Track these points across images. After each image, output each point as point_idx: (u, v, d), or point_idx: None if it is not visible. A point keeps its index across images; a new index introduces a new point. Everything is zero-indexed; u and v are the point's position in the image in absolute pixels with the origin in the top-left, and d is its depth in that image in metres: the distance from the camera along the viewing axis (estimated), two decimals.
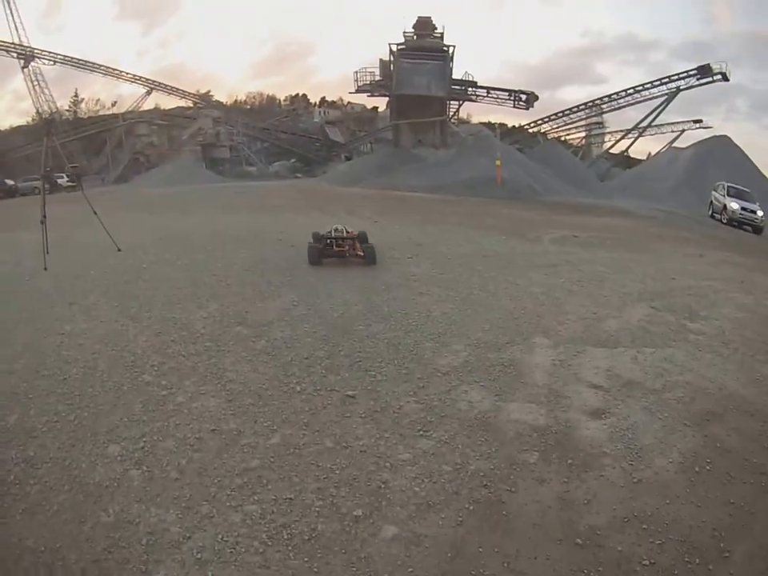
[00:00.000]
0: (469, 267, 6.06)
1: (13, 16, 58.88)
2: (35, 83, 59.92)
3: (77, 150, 58.20)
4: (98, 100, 69.23)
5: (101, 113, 66.31)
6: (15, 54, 58.03)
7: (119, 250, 6.62)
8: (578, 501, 2.39)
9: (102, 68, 62.12)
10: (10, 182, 40.38)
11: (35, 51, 58.89)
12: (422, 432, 2.79)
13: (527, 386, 3.29)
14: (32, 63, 58.93)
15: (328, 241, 6.33)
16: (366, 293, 4.98)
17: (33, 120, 63.42)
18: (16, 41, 56.91)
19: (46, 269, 5.82)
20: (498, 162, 20.86)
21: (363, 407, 3.00)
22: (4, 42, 56.42)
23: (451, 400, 3.09)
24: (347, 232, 6.56)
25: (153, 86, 64.98)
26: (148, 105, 66.04)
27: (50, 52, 59.43)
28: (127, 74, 65.32)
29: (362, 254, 6.21)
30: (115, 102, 66.49)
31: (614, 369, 3.55)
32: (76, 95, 68.77)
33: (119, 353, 3.64)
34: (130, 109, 62.80)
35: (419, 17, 32.99)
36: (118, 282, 5.31)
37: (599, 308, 4.75)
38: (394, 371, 3.41)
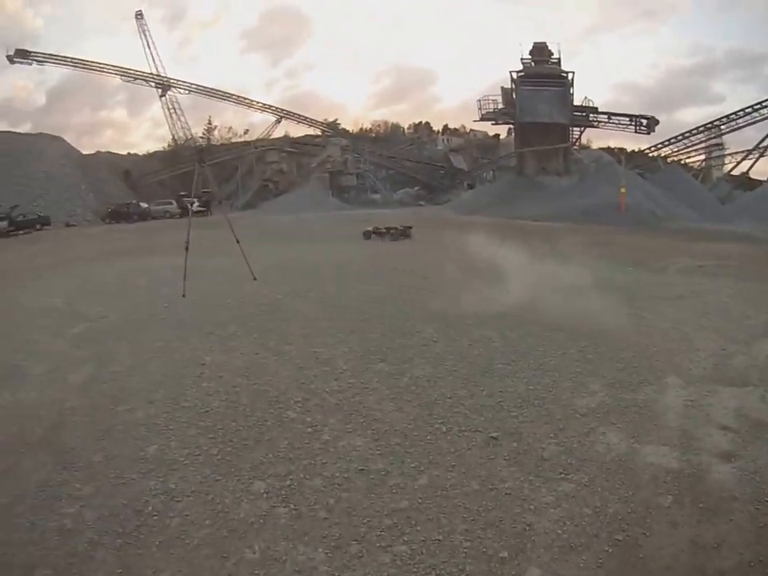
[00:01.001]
0: (597, 301, 6.59)
1: (150, 48, 70.57)
2: (172, 111, 70.59)
3: (209, 176, 67.04)
4: (230, 128, 79.00)
5: (233, 140, 76.23)
6: (153, 84, 69.79)
7: (255, 278, 7.88)
8: (708, 544, 2.78)
9: (233, 97, 71.72)
10: (144, 205, 48.48)
11: (171, 81, 70.10)
12: (563, 475, 3.28)
13: (661, 428, 3.82)
14: (168, 92, 70.20)
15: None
16: (501, 328, 5.70)
17: (169, 146, 74.48)
18: (153, 71, 68.49)
19: (184, 296, 7.08)
20: (622, 190, 24.90)
21: (506, 449, 3.54)
22: (143, 72, 68.14)
23: (590, 442, 3.62)
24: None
25: (282, 114, 73.37)
26: (278, 133, 74.36)
27: (184, 82, 69.89)
28: (257, 102, 73.98)
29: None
30: (247, 130, 75.58)
31: (743, 409, 4.07)
32: (209, 123, 79.41)
33: (261, 387, 4.35)
34: (260, 136, 71.32)
35: (535, 43, 39.29)
36: (254, 313, 6.32)
37: (727, 343, 5.36)
38: (534, 412, 4.00)
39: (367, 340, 5.26)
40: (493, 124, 45.72)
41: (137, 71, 68.30)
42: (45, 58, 69.18)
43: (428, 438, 3.64)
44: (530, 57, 39.09)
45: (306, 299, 6.85)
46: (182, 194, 53.27)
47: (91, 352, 5.44)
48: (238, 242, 8.24)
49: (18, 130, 67.68)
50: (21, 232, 43.73)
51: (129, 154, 76.39)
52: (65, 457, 3.63)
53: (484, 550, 2.73)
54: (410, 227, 14.46)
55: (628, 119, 39.82)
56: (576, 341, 5.32)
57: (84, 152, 67.78)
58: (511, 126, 45.34)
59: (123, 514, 3.06)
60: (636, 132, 39.78)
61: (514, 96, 38.70)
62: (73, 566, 2.74)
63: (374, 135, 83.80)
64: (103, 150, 74.36)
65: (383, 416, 3.88)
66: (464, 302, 6.54)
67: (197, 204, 48.18)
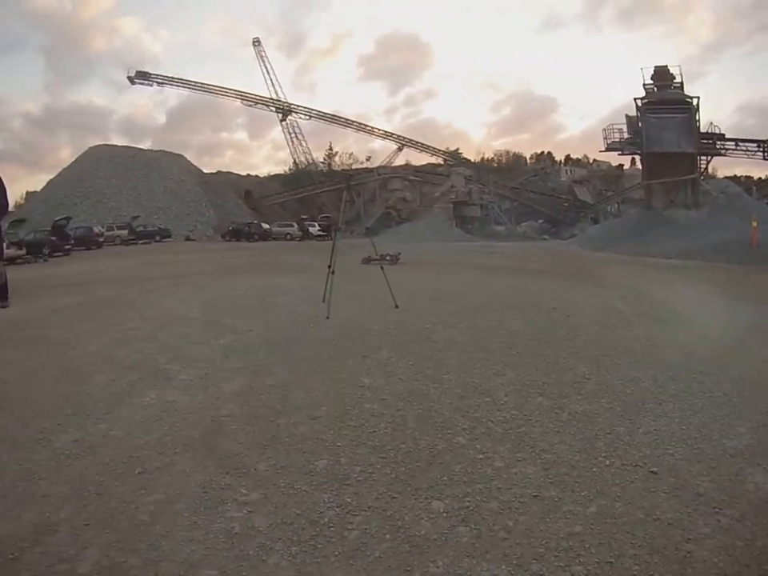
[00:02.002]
0: (739, 344, 6.86)
1: (269, 74, 75.20)
2: (292, 135, 74.88)
3: (329, 202, 70.13)
4: (351, 154, 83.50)
5: (354, 166, 79.53)
6: (274, 109, 74.17)
7: (396, 306, 8.15)
8: None
9: (354, 124, 75.43)
10: (266, 226, 51.13)
11: (292, 106, 74.34)
12: (717, 509, 3.42)
13: None
14: (289, 117, 74.31)
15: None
16: (650, 369, 5.79)
17: (290, 170, 78.56)
18: (273, 96, 72.69)
19: (328, 317, 7.41)
20: (754, 224, 24.97)
21: (665, 483, 3.70)
22: (263, 97, 72.39)
23: (739, 481, 3.76)
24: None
25: (404, 142, 76.12)
26: (399, 160, 77.19)
27: (305, 107, 74.51)
28: (378, 130, 77.61)
29: None
30: (369, 157, 79.24)
31: None
32: (330, 149, 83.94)
33: (426, 412, 4.52)
34: (383, 164, 73.90)
35: (656, 67, 40.67)
36: (405, 340, 6.54)
37: None
38: (687, 451, 4.13)
39: (522, 374, 5.45)
40: (619, 154, 46.97)
41: (257, 96, 72.49)
42: (165, 80, 74.42)
43: (593, 469, 3.85)
44: (651, 82, 40.53)
45: (455, 329, 7.07)
46: (303, 217, 55.87)
47: (242, 363, 5.78)
48: (382, 268, 8.64)
49: (140, 146, 72.86)
50: (140, 242, 46.82)
51: (249, 175, 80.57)
52: (227, 462, 3.86)
53: (651, 573, 2.92)
54: (399, 253, 16.56)
55: (756, 145, 40.17)
56: (720, 383, 5.46)
57: (205, 170, 71.93)
58: (635, 156, 46.57)
59: (297, 523, 3.22)
60: (764, 159, 40.09)
61: (639, 124, 39.34)
62: (242, 568, 2.89)
63: (495, 165, 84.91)
64: (224, 170, 78.65)
65: (549, 447, 4.09)
66: (607, 340, 6.83)
67: (317, 228, 50.79)
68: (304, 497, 3.46)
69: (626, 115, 41.63)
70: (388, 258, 16.06)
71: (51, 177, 69.36)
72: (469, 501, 3.42)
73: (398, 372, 5.41)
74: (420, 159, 78.18)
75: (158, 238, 50.62)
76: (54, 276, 18.20)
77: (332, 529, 3.18)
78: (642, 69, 40.62)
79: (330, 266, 8.42)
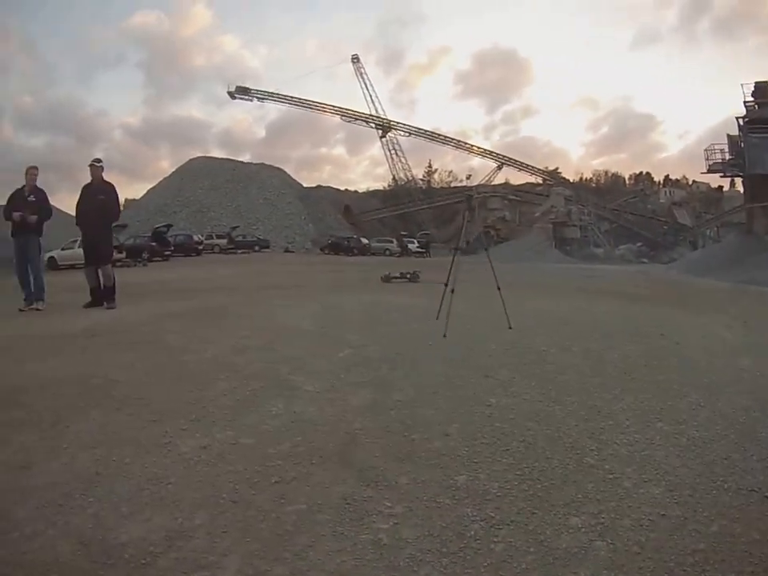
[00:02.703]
0: None
1: (368, 90, 76.60)
2: (392, 152, 76.02)
3: (428, 219, 70.77)
4: (451, 172, 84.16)
5: (452, 184, 79.94)
6: (373, 125, 75.42)
7: (510, 327, 8.19)
8: None
9: (453, 141, 75.92)
10: (365, 241, 52.04)
11: (392, 123, 75.36)
12: None
13: None
14: (389, 134, 75.33)
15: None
16: (760, 399, 5.70)
17: (389, 186, 79.72)
18: (372, 113, 73.94)
19: (445, 336, 7.51)
20: None
21: None
22: (362, 113, 73.73)
23: None
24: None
25: (503, 160, 76.16)
26: (498, 179, 77.10)
27: (404, 124, 75.60)
28: (477, 148, 77.91)
29: None
30: (470, 176, 79.74)
31: None
32: (430, 166, 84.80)
33: (554, 433, 4.58)
34: (482, 182, 74.03)
35: (756, 83, 38.54)
36: (523, 361, 6.61)
37: None
38: None
39: (640, 399, 5.47)
40: (721, 176, 44.93)
41: (356, 112, 73.78)
42: (264, 95, 76.69)
43: (713, 492, 3.88)
44: (753, 99, 37.91)
45: (569, 353, 7.11)
46: (402, 233, 56.44)
47: (365, 378, 5.94)
48: (498, 288, 8.65)
49: (239, 159, 75.22)
50: (239, 251, 48.26)
51: (347, 190, 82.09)
52: (366, 474, 3.95)
53: None
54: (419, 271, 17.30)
55: None
56: None
57: (304, 184, 73.62)
58: (735, 178, 44.87)
59: (444, 535, 3.29)
60: None
61: (741, 144, 37.58)
62: None
63: (594, 185, 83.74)
64: (323, 185, 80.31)
65: (672, 470, 4.14)
66: (716, 369, 6.75)
67: (416, 245, 51.33)
68: (447, 510, 3.54)
69: (728, 135, 40.26)
70: (408, 275, 16.78)
71: (151, 186, 72.59)
72: (603, 517, 3.50)
73: (521, 393, 5.49)
74: (519, 178, 78.16)
75: (257, 248, 52.23)
76: (155, 281, 19.02)
77: (478, 541, 3.25)
78: (742, 85, 39.15)
79: (446, 284, 8.54)
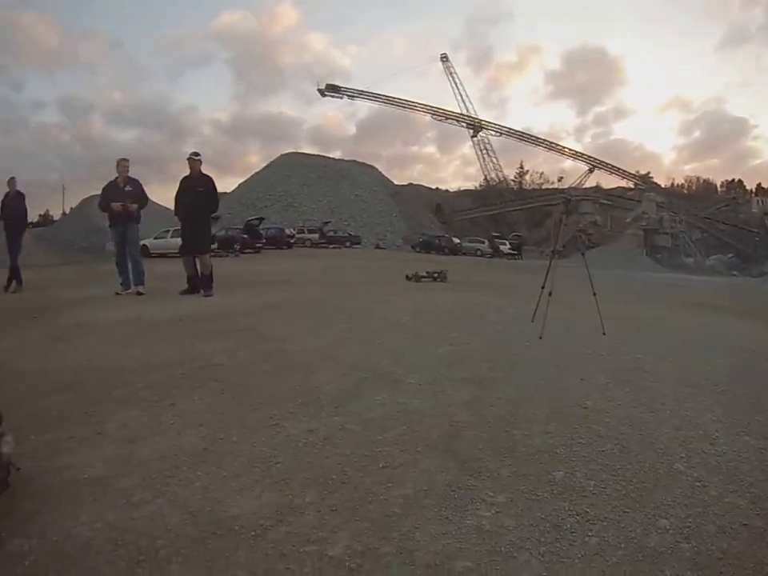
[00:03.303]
0: None
1: (458, 89, 76.13)
2: (483, 152, 75.74)
3: (519, 220, 70.13)
4: (542, 173, 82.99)
5: (544, 186, 78.92)
6: (464, 124, 75.02)
7: (604, 333, 8.22)
8: None
9: (545, 142, 75.15)
10: (456, 240, 52.08)
11: (483, 122, 74.89)
12: None
13: None
14: (480, 133, 74.81)
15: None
16: None
17: (480, 186, 79.30)
18: (463, 112, 73.56)
19: (540, 338, 7.63)
20: None
21: None
22: (453, 112, 73.49)
23: None
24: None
25: (595, 163, 74.56)
26: (589, 182, 75.39)
27: (496, 124, 75.12)
28: (569, 150, 76.57)
29: None
30: (561, 178, 78.43)
31: None
32: (521, 167, 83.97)
33: (646, 438, 4.64)
34: (573, 185, 72.58)
35: None
36: (619, 367, 6.64)
37: None
38: None
39: (729, 412, 5.42)
40: None
41: (447, 111, 73.52)
42: (355, 93, 77.22)
43: None
44: None
45: (664, 362, 7.07)
46: (495, 234, 56.13)
47: (466, 374, 6.10)
48: (594, 294, 8.68)
49: (330, 156, 76.11)
50: (330, 246, 48.90)
51: (438, 188, 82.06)
52: (469, 465, 4.14)
53: None
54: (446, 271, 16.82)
55: None
56: None
57: (395, 182, 73.92)
58: None
59: (542, 526, 3.46)
60: None
61: None
62: (495, 562, 3.13)
63: (686, 192, 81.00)
64: (415, 183, 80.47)
65: (757, 483, 4.11)
66: None
67: (508, 246, 50.95)
68: (546, 503, 3.69)
69: None
70: (436, 275, 16.52)
71: (242, 179, 74.14)
72: (690, 522, 3.56)
73: (616, 398, 5.55)
74: (610, 182, 76.61)
75: (348, 244, 52.73)
76: (249, 271, 19.76)
77: (573, 534, 3.39)
78: None
79: (543, 287, 8.62)
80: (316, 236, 52.17)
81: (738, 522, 3.60)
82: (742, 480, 4.13)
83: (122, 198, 12.10)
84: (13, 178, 14.52)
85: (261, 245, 40.06)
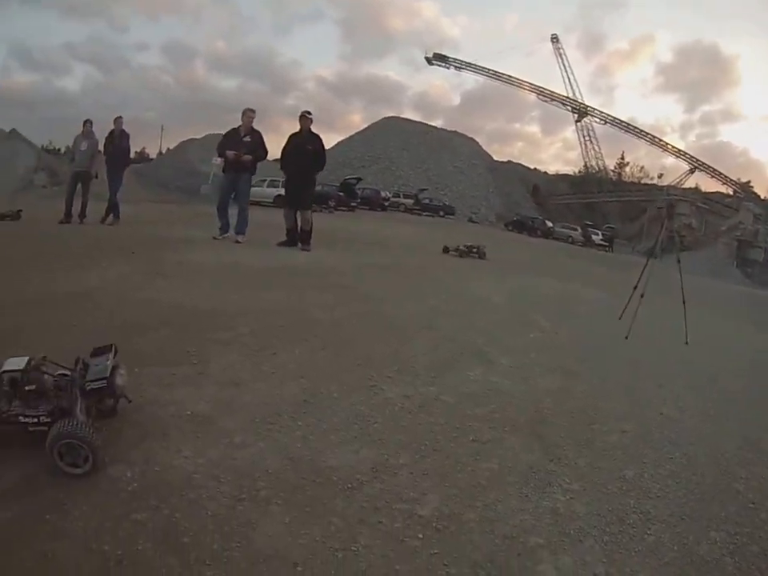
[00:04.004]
0: None
1: (567, 72, 73.90)
2: (586, 138, 73.72)
3: (614, 212, 68.45)
4: (642, 167, 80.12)
5: (642, 180, 76.36)
6: (570, 108, 72.98)
7: (687, 342, 8.22)
8: None
9: (648, 136, 72.15)
10: (549, 224, 51.25)
11: (588, 108, 72.66)
12: None
13: None
14: (584, 119, 72.77)
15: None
16: None
17: (579, 172, 77.39)
18: (570, 95, 71.63)
19: (626, 338, 7.74)
20: None
21: None
22: (559, 94, 71.68)
23: None
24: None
25: (697, 164, 71.16)
26: (689, 183, 72.45)
27: (602, 111, 72.61)
28: (672, 147, 73.73)
29: None
30: (662, 175, 75.53)
31: None
32: (622, 158, 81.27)
33: (712, 453, 4.80)
34: (672, 183, 69.98)
35: None
36: (696, 378, 6.75)
37: None
38: None
39: None
40: None
41: (554, 93, 71.71)
42: (462, 64, 75.79)
43: None
44: None
45: (741, 379, 7.13)
46: (588, 223, 55.03)
47: (555, 363, 6.36)
48: (684, 302, 8.66)
49: (432, 124, 75.39)
50: (424, 213, 48.76)
51: (536, 169, 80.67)
52: (551, 450, 4.45)
53: None
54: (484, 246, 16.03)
55: None
56: None
57: (495, 157, 72.91)
58: None
59: (608, 517, 3.76)
60: None
61: None
62: (564, 543, 3.46)
63: None
64: (514, 161, 79.30)
65: None
66: None
67: (600, 237, 49.77)
68: (614, 497, 3.97)
69: None
70: (475, 250, 16.10)
71: (341, 138, 74.24)
72: (737, 539, 3.73)
73: (688, 408, 5.69)
74: (709, 185, 73.58)
75: (441, 213, 52.29)
76: (344, 230, 19.96)
77: (634, 529, 3.66)
78: None
79: (635, 287, 8.62)
80: (411, 201, 51.73)
81: None
82: None
83: (239, 148, 12.25)
84: (120, 117, 15.15)
85: (355, 204, 40.28)
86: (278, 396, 4.71)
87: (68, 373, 3.76)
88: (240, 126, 12.73)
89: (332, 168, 59.67)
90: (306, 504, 3.48)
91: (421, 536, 3.38)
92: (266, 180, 31.45)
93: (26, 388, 3.48)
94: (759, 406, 6.19)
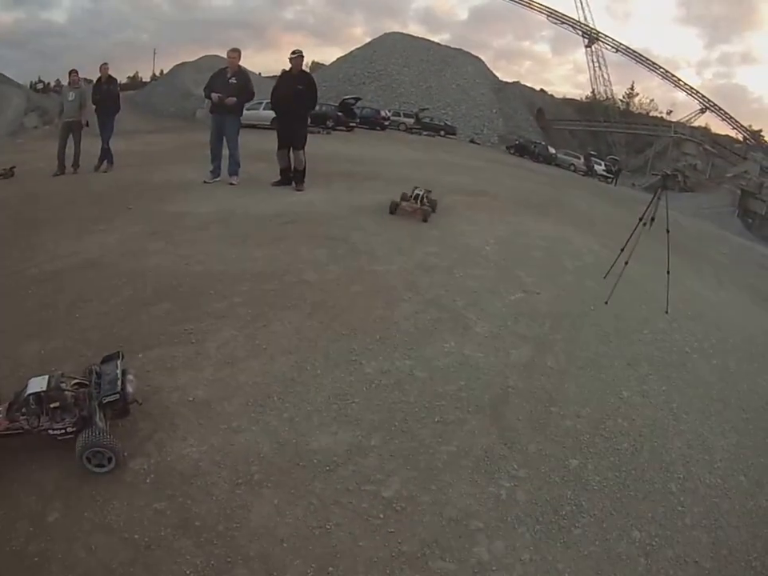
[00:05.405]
0: None
1: None
2: (595, 63, 71.57)
3: (620, 143, 67.25)
4: (652, 101, 77.98)
5: (651, 113, 74.51)
6: (580, 32, 70.53)
7: (667, 312, 7.84)
8: None
9: (660, 69, 69.84)
10: (552, 151, 50.48)
11: (599, 34, 70.31)
12: None
13: None
14: (594, 45, 70.49)
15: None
16: None
17: (587, 98, 75.51)
18: (581, 20, 69.17)
19: (606, 303, 7.47)
20: None
21: None
22: (571, 18, 69.22)
23: None
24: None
25: (708, 105, 69.14)
26: (698, 122, 70.61)
27: (613, 39, 70.26)
28: (684, 83, 71.51)
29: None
30: (671, 111, 73.49)
31: None
32: (632, 88, 78.99)
33: (659, 448, 4.98)
34: (681, 120, 68.32)
35: None
36: (666, 360, 6.53)
37: None
38: None
39: (743, 442, 5.47)
40: None
41: (565, 15, 69.39)
42: None
43: None
44: None
45: (709, 365, 6.80)
46: (591, 152, 54.28)
47: (529, 332, 6.42)
48: (668, 272, 8.10)
49: (435, 39, 73.23)
50: (424, 133, 48.09)
51: (542, 90, 78.91)
52: (507, 435, 4.77)
53: None
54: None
55: None
56: None
57: (500, 77, 71.24)
58: None
59: (544, 507, 4.15)
60: None
61: None
62: (499, 529, 3.91)
63: None
64: (521, 82, 77.45)
65: (725, 527, 4.40)
66: None
67: (602, 168, 49.02)
68: (554, 487, 4.32)
69: None
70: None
71: (342, 53, 72.36)
72: (656, 541, 4.08)
73: (650, 394, 5.76)
74: (719, 128, 72.16)
75: (442, 133, 51.46)
76: (337, 156, 19.68)
77: (565, 521, 4.06)
78: None
79: (622, 249, 8.01)
80: (411, 121, 50.78)
81: (692, 558, 4.05)
82: (716, 519, 4.44)
83: (225, 90, 12.05)
84: (105, 63, 14.89)
85: (354, 124, 39.63)
86: (269, 374, 5.09)
87: (84, 382, 4.27)
88: (227, 67, 12.48)
89: (331, 85, 58.45)
90: (292, 486, 3.99)
91: (382, 516, 3.87)
92: (262, 103, 30.96)
93: (51, 405, 3.96)
94: (723, 401, 6.07)
